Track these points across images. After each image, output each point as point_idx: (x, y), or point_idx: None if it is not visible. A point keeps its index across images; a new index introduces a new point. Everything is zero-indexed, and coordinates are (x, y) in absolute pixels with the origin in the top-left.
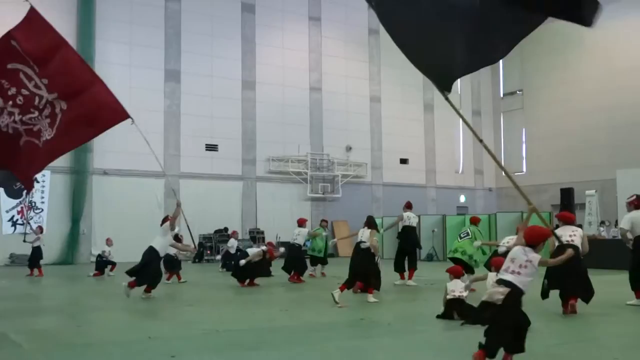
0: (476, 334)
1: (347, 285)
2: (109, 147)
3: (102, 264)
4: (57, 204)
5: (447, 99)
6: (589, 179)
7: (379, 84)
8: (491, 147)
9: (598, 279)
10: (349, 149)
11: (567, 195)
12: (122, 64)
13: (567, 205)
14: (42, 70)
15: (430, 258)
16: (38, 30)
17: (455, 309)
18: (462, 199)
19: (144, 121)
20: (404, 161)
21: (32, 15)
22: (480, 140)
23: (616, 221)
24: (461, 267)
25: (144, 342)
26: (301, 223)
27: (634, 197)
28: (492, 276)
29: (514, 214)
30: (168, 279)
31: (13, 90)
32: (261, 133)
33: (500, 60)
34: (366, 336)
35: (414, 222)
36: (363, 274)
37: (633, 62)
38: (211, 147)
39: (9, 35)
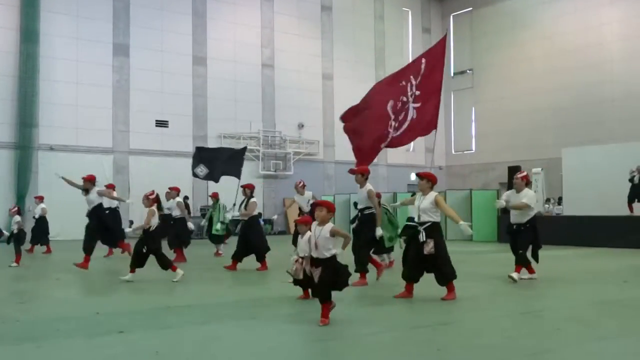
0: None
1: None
2: (55, 122)
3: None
4: (1, 181)
5: None
6: (536, 157)
7: (332, 61)
8: (441, 125)
9: (541, 254)
10: (301, 126)
11: (514, 173)
12: (68, 37)
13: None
14: (421, 85)
15: None
16: (437, 53)
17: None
18: (413, 177)
19: (91, 96)
20: None
21: (441, 42)
22: None
23: (560, 198)
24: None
25: (92, 317)
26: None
27: (525, 173)
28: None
29: (463, 191)
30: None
31: (403, 99)
32: (212, 109)
33: (452, 39)
34: (314, 310)
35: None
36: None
37: (577, 43)
38: (161, 124)
39: (423, 55)
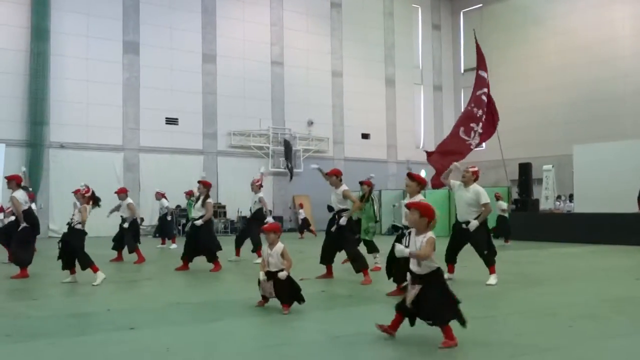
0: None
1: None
2: (65, 120)
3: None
4: None
5: None
6: (546, 154)
7: (341, 58)
8: (452, 122)
9: (552, 251)
10: (310, 123)
11: (524, 170)
12: (78, 35)
13: (525, 180)
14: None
15: (391, 232)
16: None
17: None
18: (423, 174)
19: (102, 94)
20: (365, 136)
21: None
22: None
23: (571, 195)
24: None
25: (103, 314)
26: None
27: (477, 169)
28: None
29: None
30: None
31: (479, 113)
32: (222, 107)
33: (461, 35)
34: (327, 307)
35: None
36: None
37: (589, 39)
38: (171, 121)
39: (478, 67)
